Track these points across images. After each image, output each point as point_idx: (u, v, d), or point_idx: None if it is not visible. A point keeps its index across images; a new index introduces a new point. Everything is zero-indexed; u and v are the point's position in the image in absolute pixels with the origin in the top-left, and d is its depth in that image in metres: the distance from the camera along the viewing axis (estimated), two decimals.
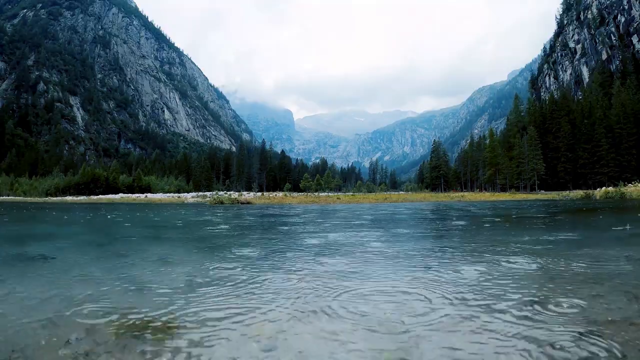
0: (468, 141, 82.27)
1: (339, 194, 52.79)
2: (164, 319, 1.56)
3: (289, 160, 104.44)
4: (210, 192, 45.38)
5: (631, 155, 49.47)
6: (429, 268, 2.64)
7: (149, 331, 1.41)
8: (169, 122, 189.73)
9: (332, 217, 9.40)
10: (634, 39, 77.24)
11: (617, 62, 77.14)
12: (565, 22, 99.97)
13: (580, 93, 78.50)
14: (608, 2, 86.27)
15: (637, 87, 57.83)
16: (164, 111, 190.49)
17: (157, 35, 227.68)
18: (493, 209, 13.18)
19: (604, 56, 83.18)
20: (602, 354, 1.16)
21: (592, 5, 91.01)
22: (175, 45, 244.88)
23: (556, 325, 1.42)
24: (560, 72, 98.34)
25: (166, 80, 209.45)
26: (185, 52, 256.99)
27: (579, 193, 28.27)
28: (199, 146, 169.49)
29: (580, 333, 1.33)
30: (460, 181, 74.58)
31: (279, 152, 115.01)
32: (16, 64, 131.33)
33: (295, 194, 42.06)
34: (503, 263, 2.81)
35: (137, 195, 43.68)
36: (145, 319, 1.56)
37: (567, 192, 36.68)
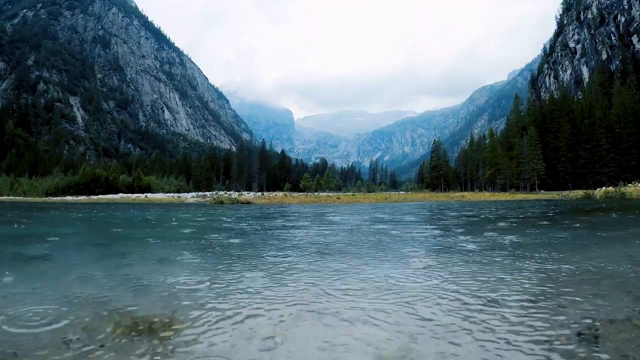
0: (468, 141, 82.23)
1: (339, 193, 52.75)
2: (164, 319, 1.56)
3: (289, 160, 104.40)
4: (210, 192, 45.32)
5: (631, 155, 49.48)
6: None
7: (149, 331, 1.41)
8: (169, 122, 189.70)
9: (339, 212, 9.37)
10: (634, 39, 77.22)
11: (617, 62, 77.13)
12: (565, 22, 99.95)
13: (580, 93, 78.50)
14: (608, 2, 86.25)
15: (637, 87, 57.87)
16: (164, 111, 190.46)
17: (157, 35, 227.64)
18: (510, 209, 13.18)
19: (604, 56, 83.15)
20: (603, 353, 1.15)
21: (592, 5, 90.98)
22: (175, 45, 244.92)
23: (556, 324, 1.42)
24: (560, 72, 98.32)
25: (166, 80, 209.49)
26: (185, 52, 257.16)
27: (579, 193, 28.25)
28: (199, 146, 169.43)
29: (580, 333, 1.32)
30: (460, 181, 74.58)
31: (279, 152, 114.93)
32: (16, 64, 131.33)
33: (295, 194, 42.04)
34: (504, 261, 2.80)
35: (137, 195, 43.65)
36: (145, 318, 1.56)
37: (567, 192, 36.63)
